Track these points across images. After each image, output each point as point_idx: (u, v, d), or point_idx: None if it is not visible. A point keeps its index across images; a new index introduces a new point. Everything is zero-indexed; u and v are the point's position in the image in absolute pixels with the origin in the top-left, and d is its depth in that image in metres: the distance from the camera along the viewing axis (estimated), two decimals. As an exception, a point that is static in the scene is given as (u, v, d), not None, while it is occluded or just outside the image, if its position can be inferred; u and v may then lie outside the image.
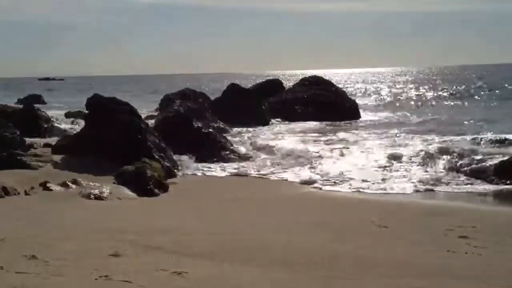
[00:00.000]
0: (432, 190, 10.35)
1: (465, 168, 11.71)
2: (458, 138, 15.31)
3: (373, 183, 10.74)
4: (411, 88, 53.65)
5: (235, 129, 19.19)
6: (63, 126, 18.13)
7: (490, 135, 14.96)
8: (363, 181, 10.94)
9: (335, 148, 14.93)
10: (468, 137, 15.12)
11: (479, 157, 12.15)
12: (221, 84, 55.81)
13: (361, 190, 10.36)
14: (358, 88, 55.60)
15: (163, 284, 4.63)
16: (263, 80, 29.31)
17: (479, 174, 11.32)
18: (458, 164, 12.05)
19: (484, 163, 11.67)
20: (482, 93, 42.09)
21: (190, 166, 12.37)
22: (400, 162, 12.70)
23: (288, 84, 30.99)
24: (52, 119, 18.64)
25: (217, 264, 5.38)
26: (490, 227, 7.39)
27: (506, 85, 47.87)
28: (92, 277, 4.64)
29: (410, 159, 12.91)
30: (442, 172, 11.74)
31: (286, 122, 22.16)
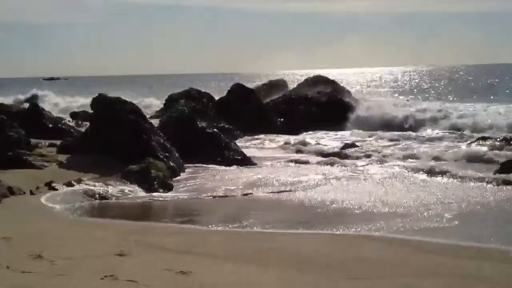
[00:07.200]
0: None
1: None
2: None
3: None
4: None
5: (239, 130, 19.11)
6: (68, 125, 18.15)
7: None
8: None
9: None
10: None
11: None
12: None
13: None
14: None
15: (169, 284, 4.63)
16: (267, 81, 29.20)
17: None
18: None
19: None
20: None
21: None
22: None
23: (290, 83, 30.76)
24: (57, 119, 18.68)
25: (221, 263, 5.39)
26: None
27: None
28: (98, 277, 4.65)
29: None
30: None
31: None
